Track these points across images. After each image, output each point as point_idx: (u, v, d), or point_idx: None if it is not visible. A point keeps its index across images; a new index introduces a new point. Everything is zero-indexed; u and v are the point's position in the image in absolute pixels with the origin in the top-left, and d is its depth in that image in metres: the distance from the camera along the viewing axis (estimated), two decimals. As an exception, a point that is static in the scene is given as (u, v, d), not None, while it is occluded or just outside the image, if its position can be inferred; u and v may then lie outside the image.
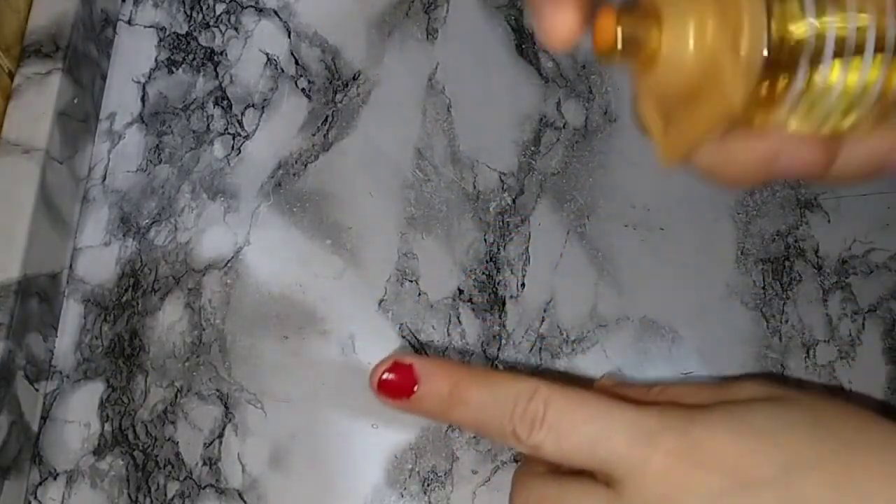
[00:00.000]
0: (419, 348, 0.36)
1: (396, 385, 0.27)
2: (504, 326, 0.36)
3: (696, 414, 0.25)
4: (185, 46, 0.42)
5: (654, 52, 0.19)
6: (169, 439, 0.35)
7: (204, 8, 0.43)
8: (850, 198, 0.37)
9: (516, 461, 0.34)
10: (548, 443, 0.25)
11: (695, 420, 0.24)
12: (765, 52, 0.16)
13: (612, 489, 0.24)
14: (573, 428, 0.25)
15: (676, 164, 0.20)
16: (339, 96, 0.40)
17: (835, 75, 0.17)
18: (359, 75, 0.41)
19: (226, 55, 0.42)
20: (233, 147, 0.40)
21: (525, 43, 0.41)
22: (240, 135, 0.40)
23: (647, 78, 0.20)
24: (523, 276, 0.37)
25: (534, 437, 0.25)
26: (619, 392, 0.29)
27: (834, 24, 0.16)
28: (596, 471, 0.25)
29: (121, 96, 0.41)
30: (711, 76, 0.18)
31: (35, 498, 0.35)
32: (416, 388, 0.27)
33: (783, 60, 0.17)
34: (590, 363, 0.35)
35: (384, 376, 0.27)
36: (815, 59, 0.17)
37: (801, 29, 0.17)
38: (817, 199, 0.37)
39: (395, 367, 0.27)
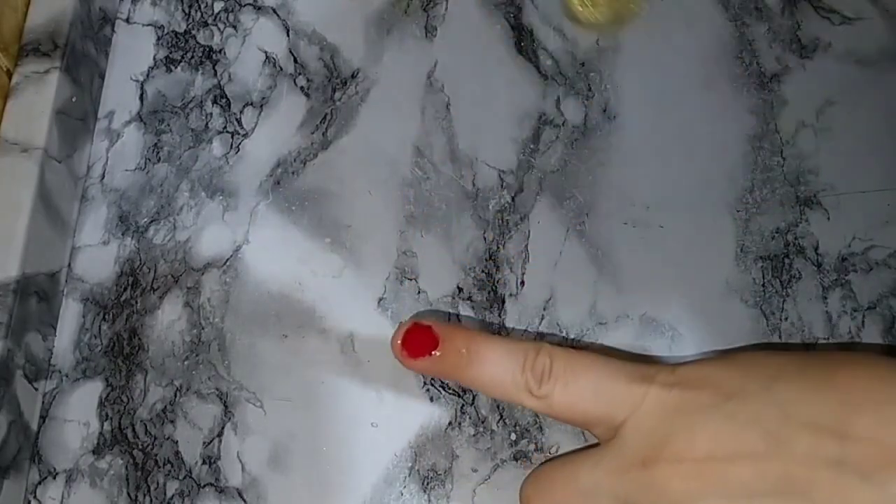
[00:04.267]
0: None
1: (418, 345, 0.29)
2: (504, 324, 0.36)
3: (684, 363, 0.27)
4: (183, 45, 0.42)
5: None
6: (168, 438, 0.35)
7: (202, 6, 0.43)
8: (850, 195, 0.37)
9: (516, 459, 0.34)
10: (556, 392, 0.27)
11: (682, 365, 0.27)
12: None
13: (614, 438, 0.26)
14: (577, 376, 0.27)
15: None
16: (337, 94, 0.40)
17: None
18: (357, 73, 0.41)
19: (224, 53, 0.41)
20: (231, 145, 0.40)
21: (524, 41, 0.41)
22: (238, 133, 0.40)
23: None
24: (523, 274, 0.37)
25: (544, 388, 0.27)
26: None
27: None
28: (601, 419, 0.27)
29: (119, 95, 0.41)
30: None
31: (34, 497, 0.35)
32: (436, 348, 0.29)
33: None
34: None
35: (405, 338, 0.29)
36: None
37: None
38: (817, 196, 0.37)
39: (416, 328, 0.29)
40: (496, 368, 0.28)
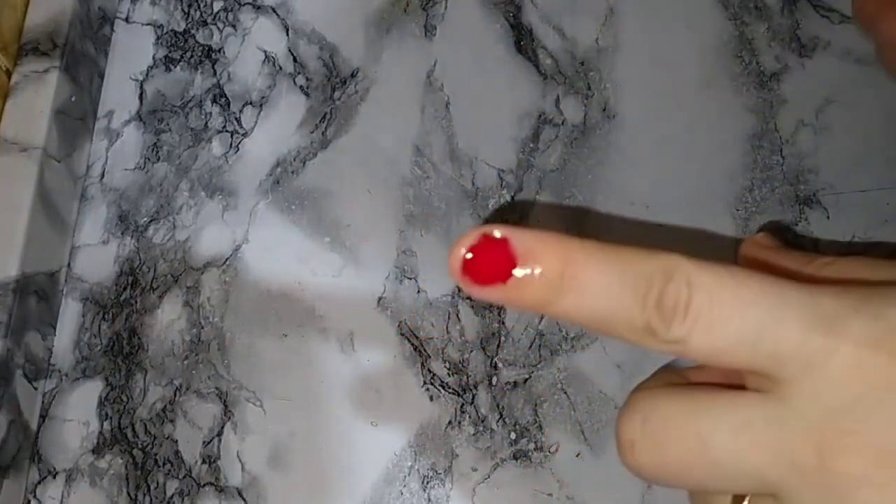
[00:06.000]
0: (418, 346, 0.36)
1: (488, 266, 0.20)
2: (503, 324, 0.36)
3: (889, 292, 0.19)
4: (182, 44, 0.42)
5: None
6: (168, 438, 0.35)
7: (201, 5, 0.43)
8: (850, 194, 0.37)
9: (515, 458, 0.34)
10: (695, 336, 0.18)
11: (888, 300, 0.18)
12: None
13: (772, 395, 0.18)
14: (729, 315, 0.18)
15: None
16: (337, 94, 0.40)
17: None
18: (357, 72, 0.41)
19: (224, 53, 0.41)
20: (231, 145, 0.40)
21: (524, 40, 0.41)
22: (238, 132, 0.40)
23: None
24: (522, 273, 0.37)
25: (676, 330, 0.18)
26: (771, 262, 0.23)
27: None
28: (756, 372, 0.19)
29: (119, 94, 0.41)
30: None
31: (34, 497, 0.35)
32: (514, 270, 0.20)
33: None
34: (589, 360, 0.35)
35: (469, 255, 0.20)
36: None
37: None
38: (817, 195, 0.37)
39: (485, 242, 0.20)
40: (603, 303, 0.19)
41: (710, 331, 0.18)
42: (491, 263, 0.20)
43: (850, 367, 0.17)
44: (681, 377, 0.22)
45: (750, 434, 0.18)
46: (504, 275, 0.20)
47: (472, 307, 0.36)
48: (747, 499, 0.19)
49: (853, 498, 0.17)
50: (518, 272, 0.19)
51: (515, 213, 0.38)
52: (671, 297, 0.18)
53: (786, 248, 0.25)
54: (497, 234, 0.20)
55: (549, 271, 0.19)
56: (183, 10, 0.42)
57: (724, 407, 0.19)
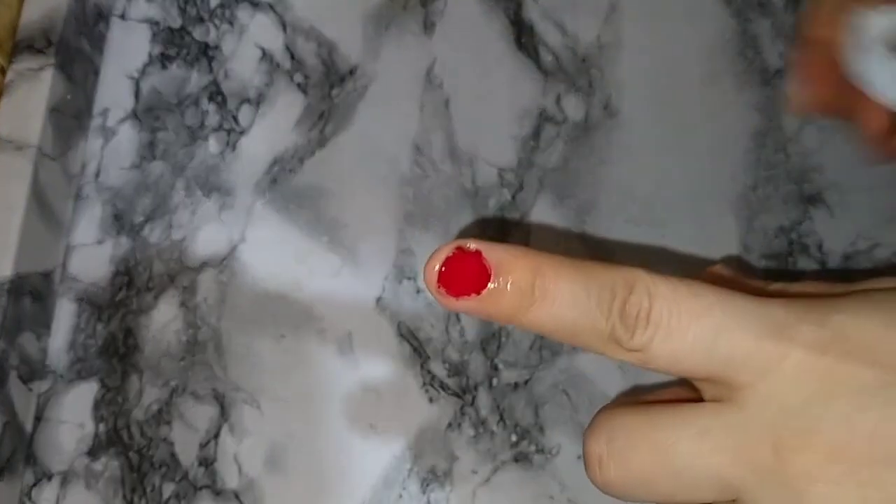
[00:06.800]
0: (418, 347, 0.35)
1: (463, 278, 0.21)
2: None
3: (831, 301, 0.20)
4: (178, 41, 0.41)
5: None
6: (164, 440, 0.35)
7: (198, 2, 0.42)
8: (855, 193, 0.36)
9: (516, 460, 0.33)
10: (655, 343, 0.20)
11: (831, 307, 0.20)
12: None
13: (729, 402, 0.20)
14: (686, 323, 0.20)
15: None
16: (335, 91, 0.40)
17: None
18: (355, 70, 0.40)
19: (220, 50, 0.41)
20: (228, 143, 0.39)
21: (524, 36, 0.40)
22: (235, 130, 0.40)
23: None
24: (523, 273, 0.36)
25: (638, 338, 0.20)
26: (732, 284, 0.24)
27: None
28: (712, 379, 0.20)
29: (114, 92, 0.41)
30: None
31: (29, 499, 0.34)
32: (489, 282, 0.21)
33: None
34: (590, 362, 0.34)
35: (445, 269, 0.21)
36: None
37: None
38: (821, 194, 0.36)
39: (460, 255, 0.21)
40: (571, 311, 0.20)
41: (669, 338, 0.19)
42: (465, 276, 0.21)
43: (801, 371, 0.19)
44: (638, 399, 0.23)
45: (709, 440, 0.19)
46: (478, 286, 0.21)
47: (472, 307, 0.36)
48: None
49: (808, 494, 0.18)
50: (491, 284, 0.20)
51: (516, 212, 0.37)
52: (633, 306, 0.20)
53: (742, 276, 0.27)
54: (471, 247, 0.21)
55: (520, 282, 0.20)
56: (179, 6, 0.42)
57: (684, 418, 0.20)
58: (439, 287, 0.21)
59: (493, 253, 0.21)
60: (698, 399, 0.21)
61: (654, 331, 0.20)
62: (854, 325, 0.19)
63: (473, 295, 0.21)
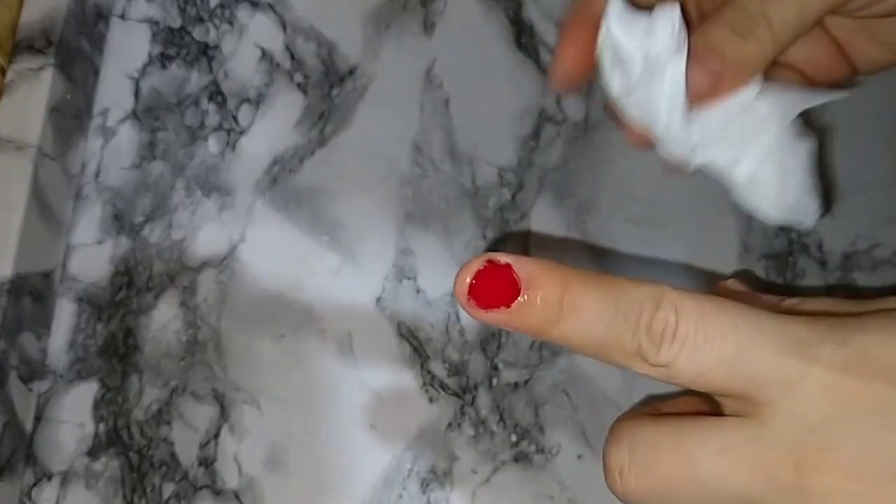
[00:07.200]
0: (417, 347, 0.35)
1: (493, 291, 0.21)
2: (503, 324, 0.35)
3: (853, 321, 0.20)
4: (178, 41, 0.41)
5: None
6: (164, 440, 0.35)
7: (198, 2, 0.42)
8: (855, 192, 0.36)
9: (516, 460, 0.33)
10: (682, 359, 0.20)
11: (853, 328, 0.20)
12: None
13: (751, 417, 0.20)
14: (712, 339, 0.20)
15: None
16: (335, 91, 0.40)
17: None
18: (355, 70, 0.40)
19: (220, 49, 0.41)
20: (227, 143, 0.39)
21: (524, 36, 0.40)
22: (235, 130, 0.40)
23: None
24: (523, 272, 0.36)
25: (664, 354, 0.20)
26: (745, 299, 0.25)
27: None
28: (735, 395, 0.20)
29: (114, 92, 0.41)
30: None
31: (29, 499, 0.34)
32: (518, 295, 0.21)
33: None
34: (591, 362, 0.34)
35: (475, 282, 0.21)
36: None
37: None
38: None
39: (491, 268, 0.21)
40: (597, 327, 0.21)
41: (695, 354, 0.20)
42: (495, 288, 0.21)
43: (823, 389, 0.19)
44: (656, 410, 0.23)
45: (731, 455, 0.20)
46: (507, 299, 0.21)
47: (472, 307, 0.36)
48: None
49: None
50: (521, 298, 0.21)
51: (516, 212, 0.37)
52: (660, 322, 0.20)
53: (754, 292, 0.27)
54: (501, 260, 0.21)
55: (549, 296, 0.21)
56: (179, 6, 0.42)
57: (707, 431, 0.20)
58: (469, 300, 0.21)
59: (524, 266, 0.21)
60: (715, 411, 0.22)
61: (679, 347, 0.20)
62: (876, 345, 0.19)
63: (503, 308, 0.21)
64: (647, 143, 0.27)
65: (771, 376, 0.19)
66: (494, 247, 0.37)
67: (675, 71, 0.23)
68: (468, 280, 0.21)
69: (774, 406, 0.19)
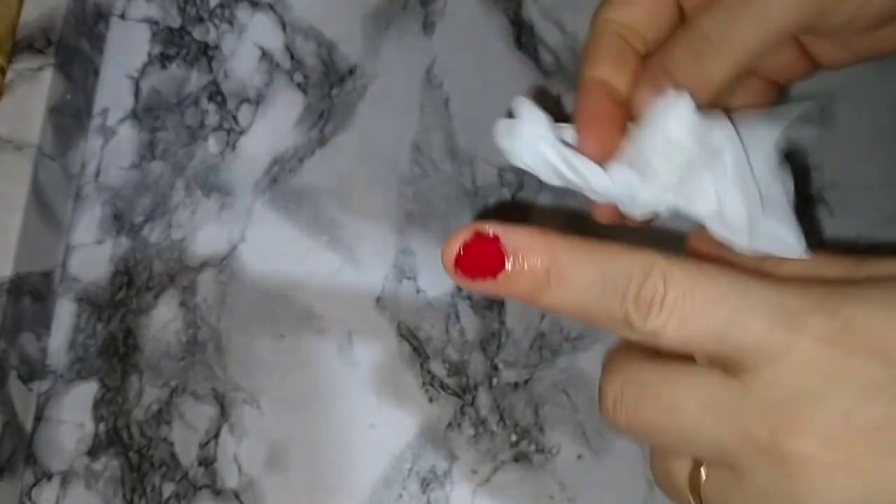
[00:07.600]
0: (417, 346, 0.35)
1: (479, 262, 0.21)
2: (504, 324, 0.35)
3: (845, 290, 0.20)
4: (178, 41, 0.41)
5: None
6: (164, 439, 0.35)
7: (197, 2, 0.42)
8: (855, 192, 0.36)
9: (516, 460, 0.33)
10: (669, 328, 0.20)
11: (845, 298, 0.20)
12: None
13: (736, 378, 0.20)
14: (700, 309, 0.20)
15: None
16: (335, 91, 0.40)
17: None
18: (355, 69, 0.40)
19: (220, 49, 0.41)
20: (227, 143, 0.39)
21: (524, 36, 0.40)
22: (234, 130, 0.40)
23: None
24: (523, 272, 0.36)
25: (652, 322, 0.20)
26: (726, 258, 0.25)
27: None
28: (721, 360, 0.21)
29: (114, 92, 0.41)
30: None
31: (29, 499, 0.34)
32: (504, 265, 0.21)
33: None
34: (591, 361, 0.34)
35: (463, 252, 0.21)
36: None
37: None
38: (821, 193, 0.36)
39: (477, 239, 0.21)
40: (586, 297, 0.21)
41: (683, 324, 0.20)
42: (482, 259, 0.21)
43: (807, 360, 0.19)
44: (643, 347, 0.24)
45: (714, 409, 0.20)
46: (494, 269, 0.21)
47: (472, 307, 0.36)
48: (703, 466, 0.21)
49: (801, 475, 0.19)
50: (507, 268, 0.21)
51: (516, 211, 0.37)
52: (648, 291, 0.20)
53: (728, 252, 0.26)
54: (489, 230, 0.21)
55: (535, 266, 0.21)
56: (179, 6, 0.42)
57: (694, 381, 0.21)
58: (456, 269, 0.22)
59: (511, 237, 0.21)
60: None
61: (667, 316, 0.20)
62: (864, 317, 0.19)
63: (489, 278, 0.21)
64: (618, 217, 0.28)
65: (758, 346, 0.20)
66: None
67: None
68: (456, 250, 0.21)
69: (758, 372, 0.20)
